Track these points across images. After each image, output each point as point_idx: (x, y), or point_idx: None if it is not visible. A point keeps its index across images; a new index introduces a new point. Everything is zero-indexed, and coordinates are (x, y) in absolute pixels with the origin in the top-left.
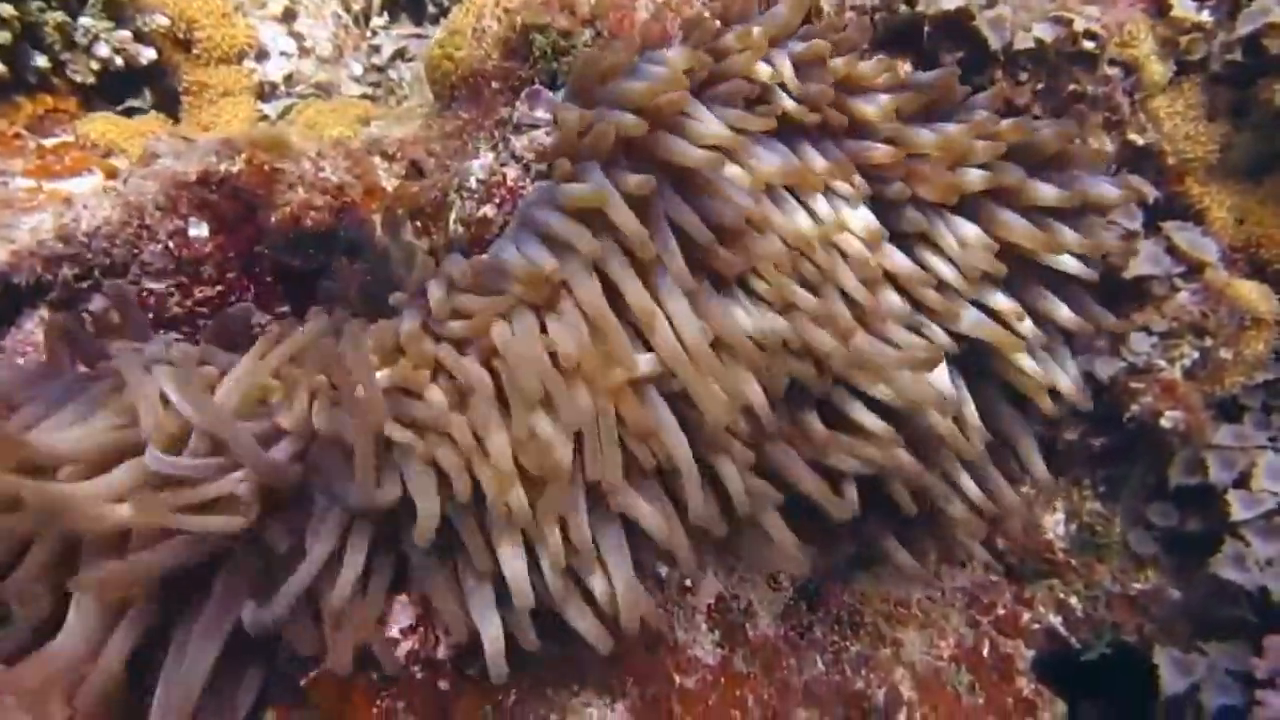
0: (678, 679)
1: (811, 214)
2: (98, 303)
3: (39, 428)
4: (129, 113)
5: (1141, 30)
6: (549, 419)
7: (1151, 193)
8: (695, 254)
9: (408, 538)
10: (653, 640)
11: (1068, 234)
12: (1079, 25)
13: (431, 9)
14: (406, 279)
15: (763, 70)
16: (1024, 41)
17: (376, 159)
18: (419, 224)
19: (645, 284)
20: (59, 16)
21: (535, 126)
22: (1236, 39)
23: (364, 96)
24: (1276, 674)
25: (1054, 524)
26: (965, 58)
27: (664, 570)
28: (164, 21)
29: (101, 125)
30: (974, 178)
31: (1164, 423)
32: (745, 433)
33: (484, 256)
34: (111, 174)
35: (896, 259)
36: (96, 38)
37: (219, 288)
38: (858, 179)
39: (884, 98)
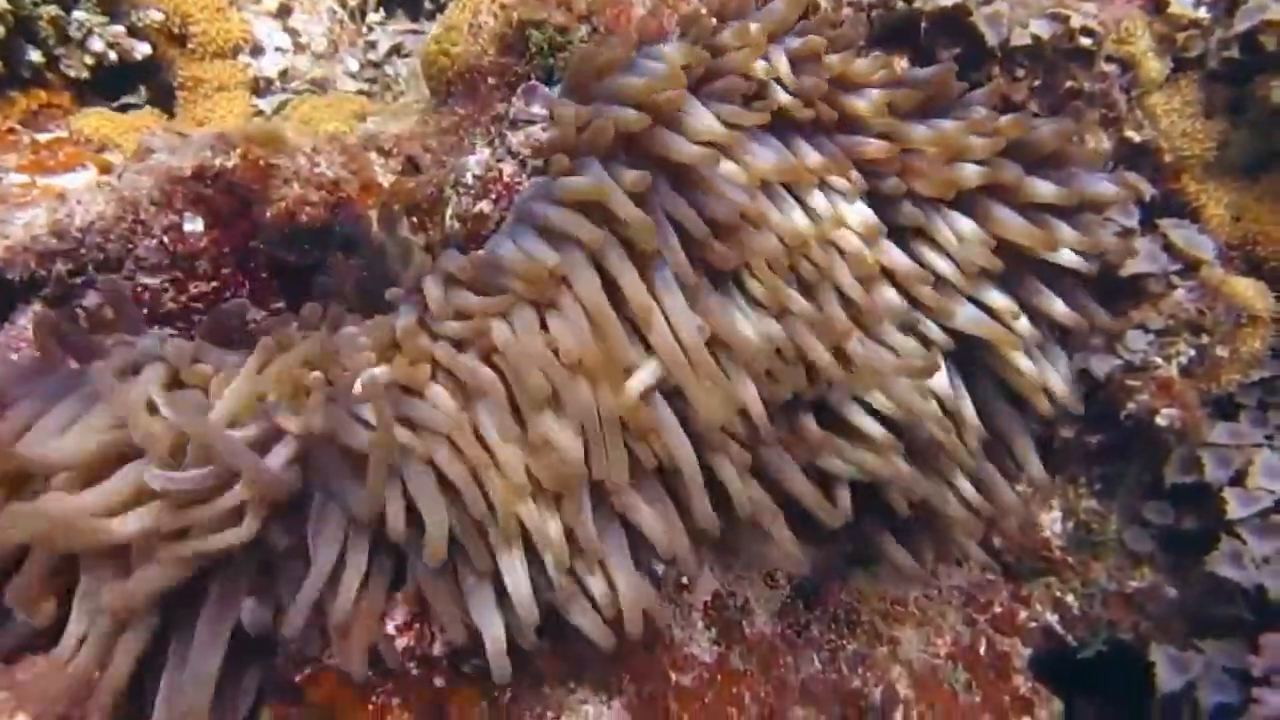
0: (674, 677)
1: (808, 210)
2: (92, 298)
3: (35, 426)
4: (124, 109)
5: (1139, 27)
6: (562, 426)
7: (1148, 190)
8: (692, 250)
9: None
10: (650, 638)
11: (1065, 230)
12: (1076, 22)
13: (428, 5)
14: (403, 275)
15: (759, 66)
16: (1021, 38)
17: (372, 155)
18: (415, 220)
19: (643, 279)
20: (53, 10)
21: (531, 122)
22: (1233, 36)
23: (360, 92)
24: (1273, 671)
25: (1050, 522)
26: (962, 54)
27: (660, 568)
28: (158, 16)
29: (96, 120)
30: (970, 173)
31: (1160, 420)
32: (741, 433)
33: (481, 252)
34: (106, 169)
35: (894, 255)
36: (91, 32)
37: (214, 283)
38: (854, 174)
39: (876, 92)
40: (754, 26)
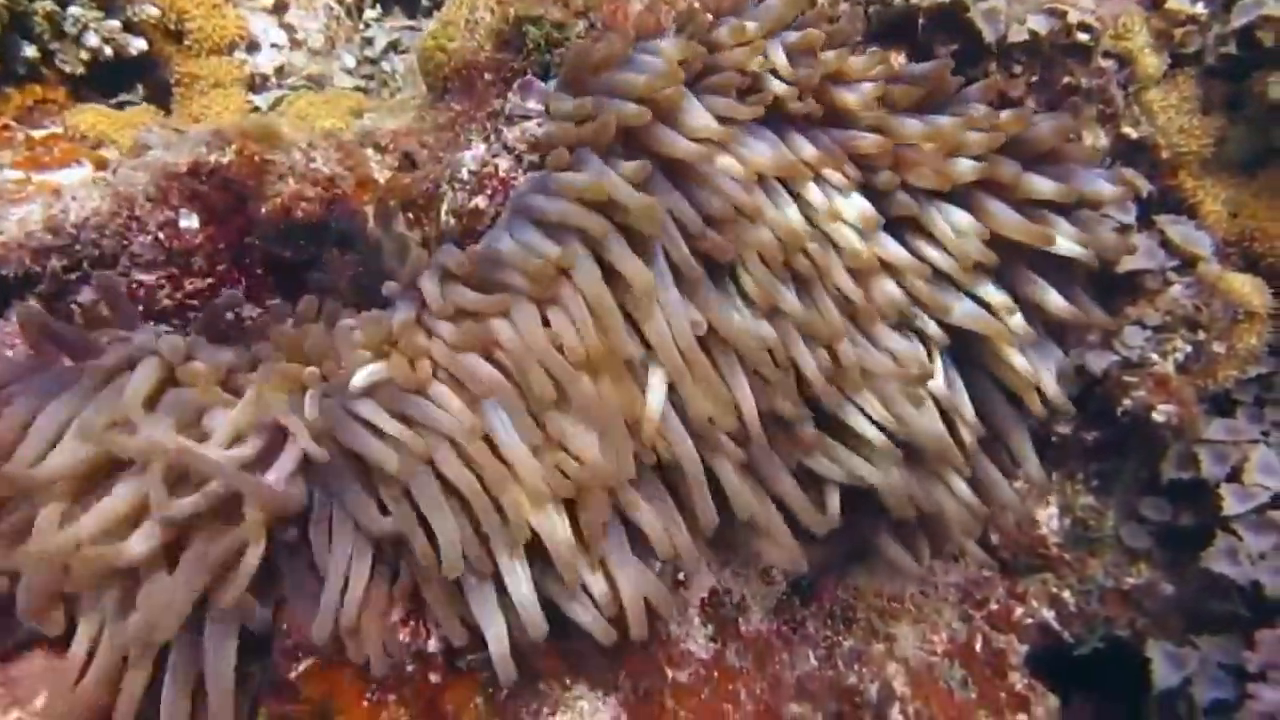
0: (670, 673)
1: (803, 205)
2: (87, 294)
3: (32, 427)
4: (121, 107)
5: (1136, 23)
6: (579, 429)
7: (1145, 186)
8: (689, 244)
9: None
10: (650, 632)
11: (1062, 224)
12: (1073, 17)
13: (425, 1)
14: (399, 270)
15: (755, 59)
16: (1018, 34)
17: (368, 151)
18: (410, 215)
19: None
20: (48, 6)
21: (527, 118)
22: (1231, 31)
23: (357, 89)
24: (1268, 667)
25: (1047, 519)
26: (959, 50)
27: (657, 565)
28: (154, 12)
29: (91, 116)
30: (965, 168)
31: (1157, 417)
32: (735, 430)
33: (478, 247)
34: (101, 165)
35: (891, 248)
36: (86, 27)
37: (209, 279)
38: (849, 168)
39: (868, 87)
40: (751, 26)
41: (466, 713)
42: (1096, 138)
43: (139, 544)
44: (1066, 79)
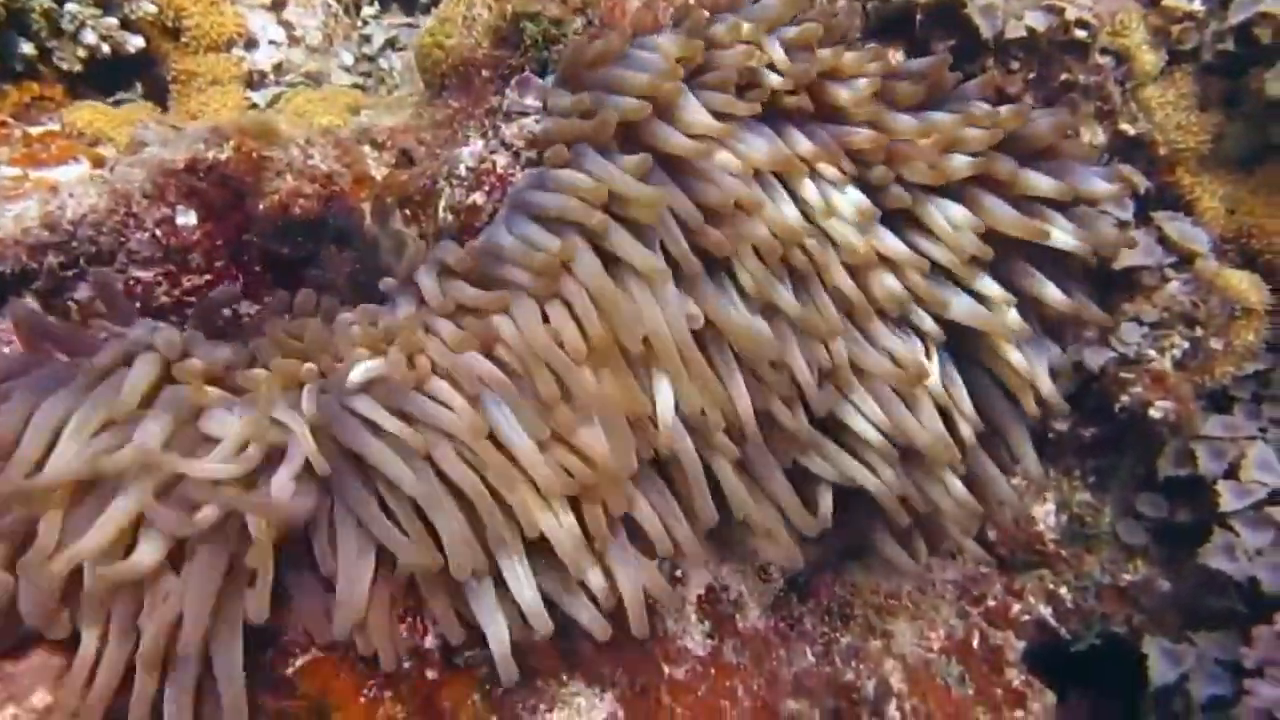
0: (667, 669)
1: (800, 201)
2: (84, 291)
3: (30, 425)
4: (118, 105)
5: (1133, 19)
6: (591, 429)
7: (1143, 183)
8: (688, 239)
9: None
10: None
11: (1059, 220)
12: (1071, 14)
13: None
14: (396, 267)
15: (754, 55)
16: (1016, 30)
17: (366, 147)
18: (408, 212)
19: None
20: (45, 3)
21: (525, 114)
22: (1228, 28)
23: (354, 86)
24: (1265, 663)
25: (1044, 515)
26: (956, 46)
27: (654, 562)
28: (151, 9)
29: (89, 114)
30: (960, 163)
31: (1154, 413)
32: (729, 426)
33: (476, 242)
34: (98, 162)
35: (889, 242)
36: (83, 24)
37: (207, 276)
38: (845, 163)
39: (861, 82)
40: (747, 26)
41: (463, 709)
42: (1094, 134)
43: (148, 555)
44: (1064, 75)
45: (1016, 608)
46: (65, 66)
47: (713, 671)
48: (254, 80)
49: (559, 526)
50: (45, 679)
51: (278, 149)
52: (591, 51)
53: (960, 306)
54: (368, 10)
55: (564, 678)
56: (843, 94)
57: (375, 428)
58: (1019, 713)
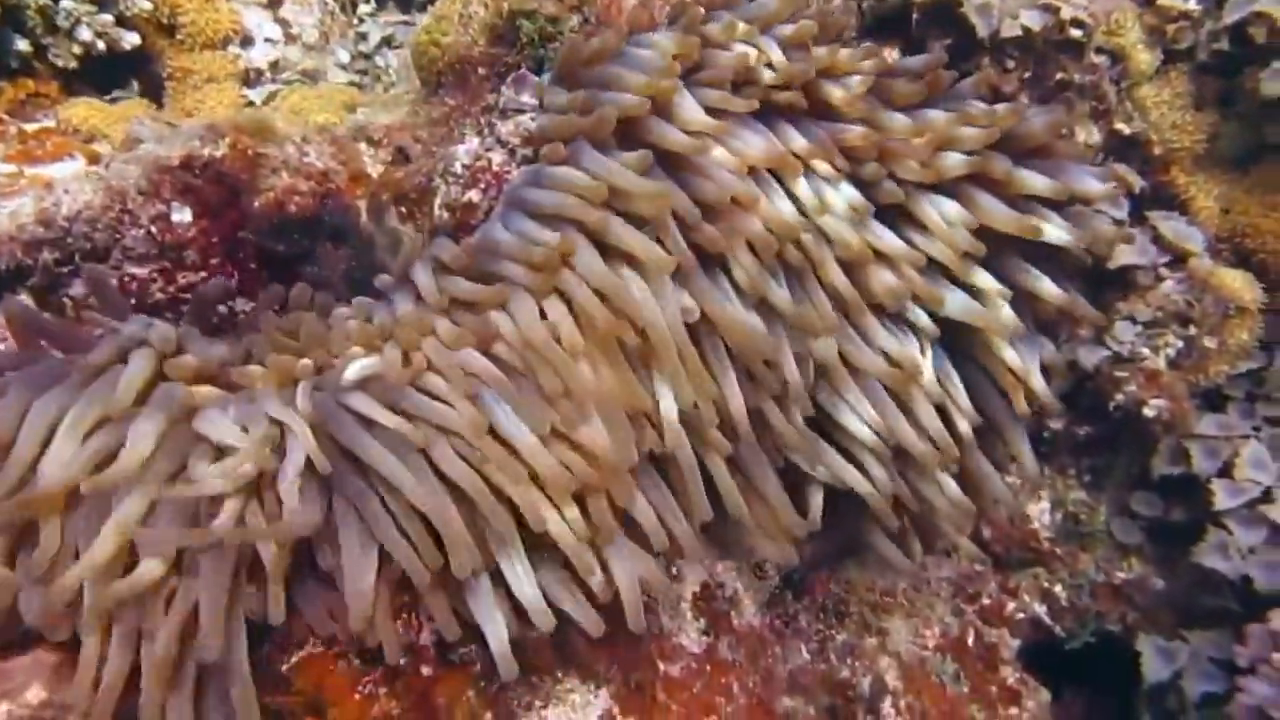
0: (662, 666)
1: (795, 198)
2: (79, 288)
3: (25, 422)
4: (114, 103)
5: (1129, 18)
6: (590, 423)
7: (1138, 182)
8: (684, 235)
9: None
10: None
11: (1053, 217)
12: (1066, 13)
13: None
14: (391, 264)
15: (750, 53)
16: (1011, 29)
17: (362, 145)
18: (403, 209)
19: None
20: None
21: (521, 111)
22: (1223, 27)
23: (350, 84)
24: (1258, 661)
25: (1039, 513)
26: (953, 45)
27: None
28: (147, 6)
29: (84, 110)
30: (954, 161)
31: (1148, 412)
32: (721, 422)
33: (473, 239)
34: (94, 159)
35: (886, 237)
36: (79, 21)
37: (202, 273)
38: (839, 159)
39: (854, 80)
40: (742, 24)
41: (459, 705)
42: (1089, 133)
43: (153, 569)
44: (1059, 75)
45: (1011, 606)
46: (60, 63)
47: (708, 668)
48: (250, 78)
49: (563, 521)
50: (40, 675)
51: (273, 146)
52: (588, 49)
53: (955, 302)
54: (364, 8)
55: (559, 674)
56: (836, 92)
57: (371, 424)
58: (1013, 710)
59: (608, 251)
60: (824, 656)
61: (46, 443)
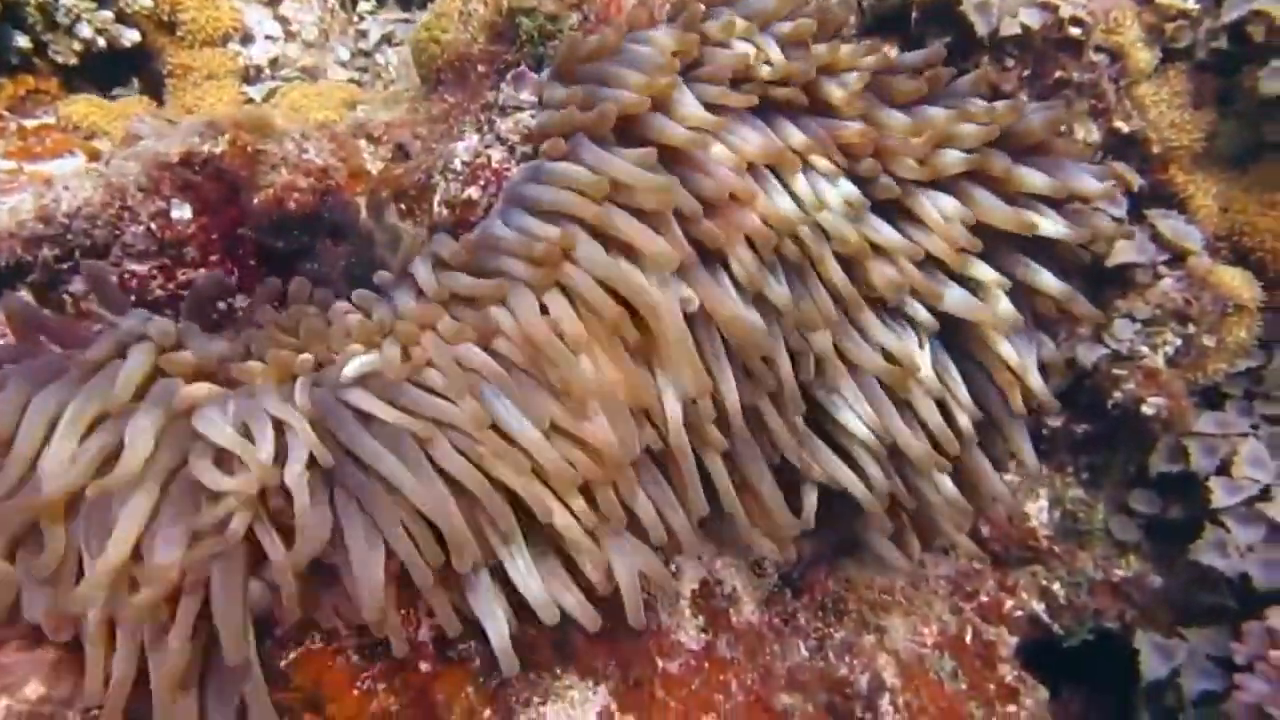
0: (661, 663)
1: (793, 193)
2: (78, 284)
3: (25, 418)
4: (114, 99)
5: (1127, 17)
6: (593, 417)
7: (1137, 180)
8: (685, 230)
9: None
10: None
11: (1050, 213)
12: (1065, 11)
13: None
14: (391, 261)
15: (748, 50)
16: (1010, 27)
17: (361, 142)
18: (403, 206)
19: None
20: None
21: (520, 109)
22: (1222, 26)
23: (350, 81)
24: (1256, 659)
25: (1038, 511)
26: (952, 44)
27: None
28: (147, 3)
29: (84, 107)
30: (952, 159)
31: (1146, 410)
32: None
33: (472, 235)
34: (94, 156)
35: (884, 231)
36: (78, 18)
37: (202, 270)
38: (836, 155)
39: (852, 76)
40: (742, 22)
41: (457, 702)
42: (1088, 132)
43: (168, 575)
44: (1058, 73)
45: (1009, 603)
46: (60, 60)
47: (706, 665)
48: (250, 75)
49: (569, 513)
50: (39, 671)
51: (273, 143)
52: (587, 46)
53: (953, 298)
54: (364, 5)
55: (558, 671)
56: (835, 91)
57: (370, 420)
58: (1011, 708)
59: (609, 246)
60: (822, 654)
61: (46, 439)
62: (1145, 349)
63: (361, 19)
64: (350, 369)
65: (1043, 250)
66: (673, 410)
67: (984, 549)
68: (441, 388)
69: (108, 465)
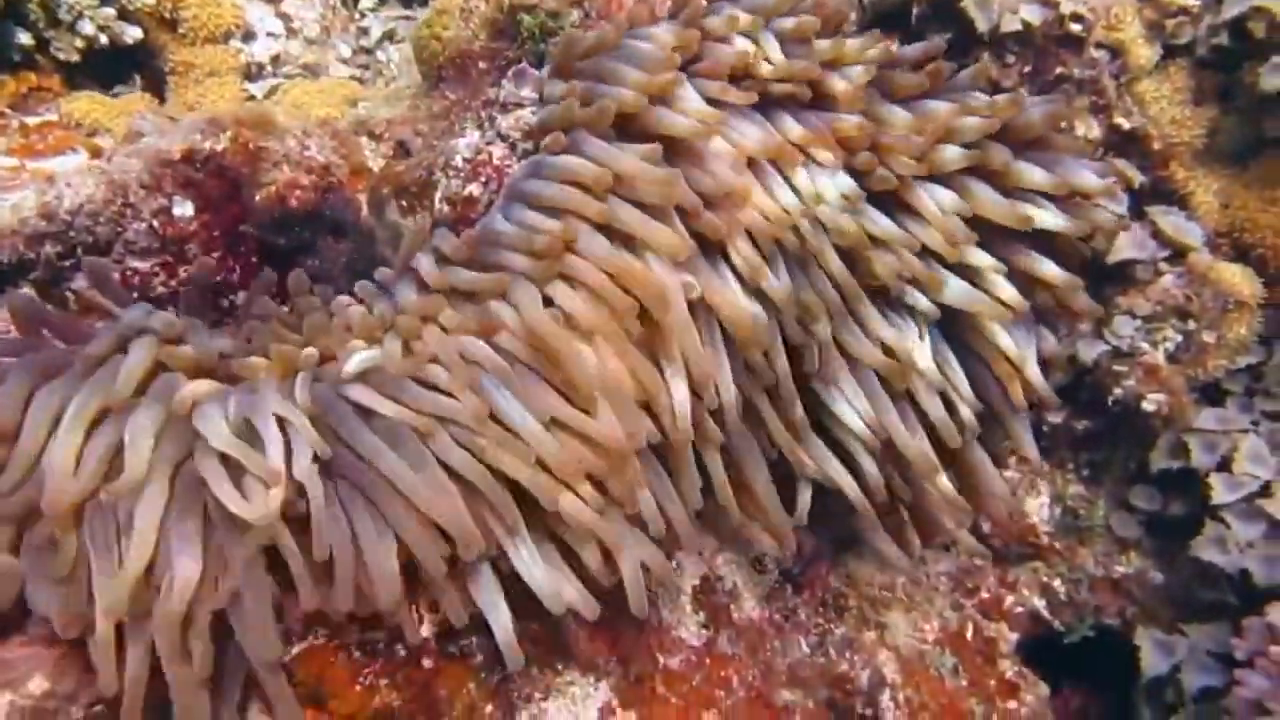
0: (662, 659)
1: (793, 187)
2: (81, 281)
3: (29, 413)
4: (116, 96)
5: (1128, 13)
6: (605, 413)
7: (1137, 177)
8: (686, 223)
9: None
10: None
11: (1048, 206)
12: (1066, 8)
13: None
14: (392, 258)
15: (748, 47)
16: (1011, 24)
17: (363, 139)
18: (404, 203)
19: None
20: None
21: (521, 105)
22: (1222, 23)
23: (352, 78)
24: (1256, 654)
25: (1038, 507)
26: (952, 40)
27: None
28: (149, 0)
29: (86, 104)
30: (951, 155)
31: (1147, 406)
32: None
33: (474, 231)
34: (96, 153)
35: (882, 223)
36: (81, 15)
37: None
38: (835, 148)
39: (857, 70)
40: (744, 17)
41: (459, 697)
42: (1089, 128)
43: (190, 580)
44: (1059, 69)
45: (1010, 600)
46: (62, 57)
47: (707, 661)
48: (251, 72)
49: (578, 506)
50: (42, 666)
51: (274, 140)
52: (585, 43)
53: (954, 289)
54: (365, 2)
55: (559, 666)
56: (838, 83)
57: (371, 416)
58: (1012, 704)
59: (612, 238)
60: (823, 650)
61: (49, 434)
62: (1146, 345)
63: (363, 16)
64: (351, 365)
65: (1042, 245)
66: (680, 400)
67: (984, 545)
68: (444, 381)
69: (112, 463)
